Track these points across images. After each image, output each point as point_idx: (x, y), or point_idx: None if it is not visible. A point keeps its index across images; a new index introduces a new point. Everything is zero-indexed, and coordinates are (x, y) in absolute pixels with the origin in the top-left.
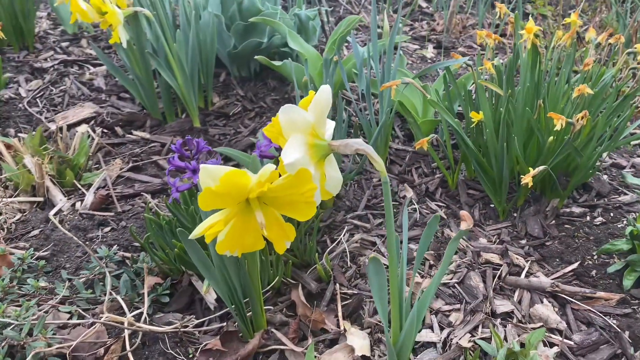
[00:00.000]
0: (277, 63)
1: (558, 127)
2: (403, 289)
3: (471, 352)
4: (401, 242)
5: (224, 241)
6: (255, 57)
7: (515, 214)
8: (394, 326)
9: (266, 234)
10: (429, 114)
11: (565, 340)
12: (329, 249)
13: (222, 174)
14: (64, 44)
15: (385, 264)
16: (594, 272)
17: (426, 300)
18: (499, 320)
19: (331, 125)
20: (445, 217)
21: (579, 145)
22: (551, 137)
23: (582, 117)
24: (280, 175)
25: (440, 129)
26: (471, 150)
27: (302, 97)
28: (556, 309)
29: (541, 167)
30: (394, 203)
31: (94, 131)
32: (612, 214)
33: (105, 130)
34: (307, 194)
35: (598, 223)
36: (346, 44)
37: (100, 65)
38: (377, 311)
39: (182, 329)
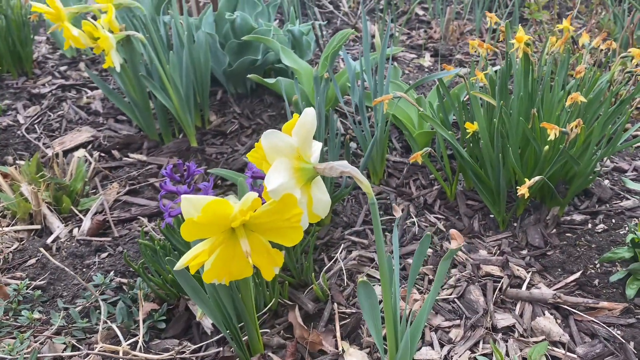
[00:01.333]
0: (269, 80)
1: (552, 137)
2: (397, 309)
3: None
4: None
5: (210, 270)
6: (248, 76)
7: (515, 224)
8: (390, 346)
9: (252, 262)
10: (424, 126)
11: (568, 354)
12: (326, 267)
13: (204, 203)
14: (62, 68)
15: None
16: (596, 282)
17: (421, 319)
18: (500, 334)
19: (318, 146)
20: (444, 229)
21: (576, 153)
22: (547, 146)
23: (576, 126)
24: (264, 201)
25: (437, 140)
26: (467, 161)
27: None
28: (559, 321)
29: (537, 177)
30: (392, 217)
31: (91, 155)
32: (614, 220)
33: (102, 154)
34: (292, 219)
35: (600, 230)
36: (342, 57)
37: (98, 88)
38: None
39: (178, 356)
